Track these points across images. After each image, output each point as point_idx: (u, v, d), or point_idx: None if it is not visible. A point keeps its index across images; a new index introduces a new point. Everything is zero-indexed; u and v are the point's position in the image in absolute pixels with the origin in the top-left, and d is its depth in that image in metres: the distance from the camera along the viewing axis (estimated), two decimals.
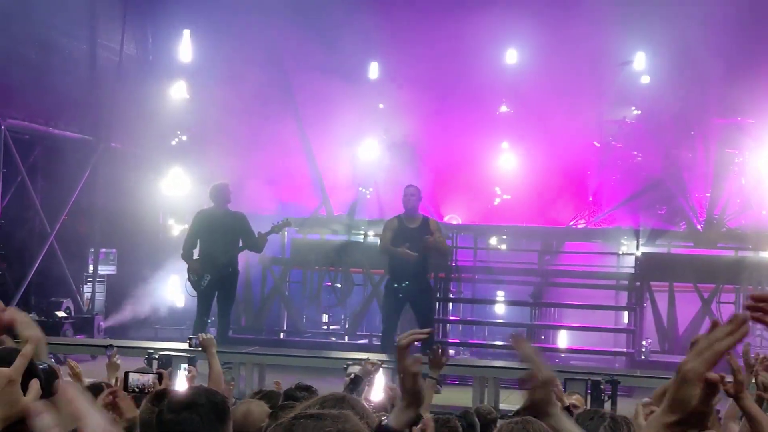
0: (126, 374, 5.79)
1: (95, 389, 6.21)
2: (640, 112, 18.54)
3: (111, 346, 8.64)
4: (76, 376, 6.94)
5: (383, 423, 2.92)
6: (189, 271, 12.85)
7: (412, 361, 2.87)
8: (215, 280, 12.68)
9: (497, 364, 11.62)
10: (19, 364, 2.39)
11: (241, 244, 12.91)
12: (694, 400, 1.97)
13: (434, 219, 13.57)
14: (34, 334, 2.79)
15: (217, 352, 7.23)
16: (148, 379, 5.68)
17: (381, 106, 18.75)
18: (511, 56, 18.62)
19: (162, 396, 4.28)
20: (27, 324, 2.86)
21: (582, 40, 16.69)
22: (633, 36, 17.54)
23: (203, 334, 7.61)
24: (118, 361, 7.95)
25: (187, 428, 3.52)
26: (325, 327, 17.49)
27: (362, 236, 17.01)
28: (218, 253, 12.66)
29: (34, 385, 2.42)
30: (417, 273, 12.77)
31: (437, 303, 15.88)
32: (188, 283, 12.98)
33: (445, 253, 13.50)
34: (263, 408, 4.99)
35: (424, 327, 12.30)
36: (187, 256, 12.87)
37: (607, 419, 3.60)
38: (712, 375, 1.97)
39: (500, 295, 16.78)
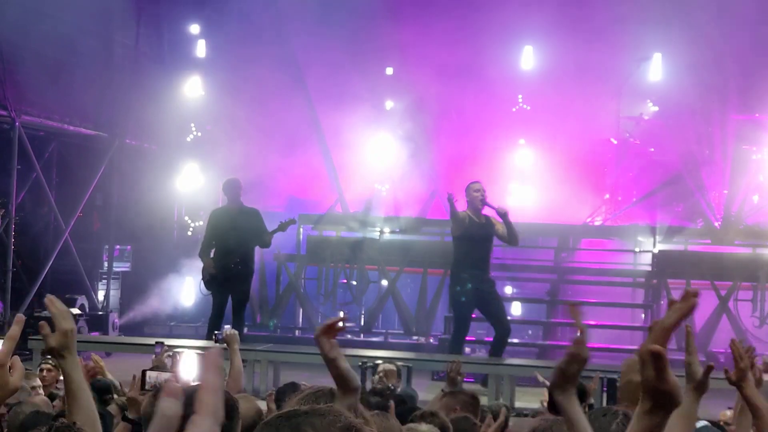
0: (143, 372, 5.76)
1: (104, 388, 6.20)
2: (657, 108, 18.47)
3: (161, 342, 8.58)
4: (100, 370, 6.97)
5: None
6: (203, 269, 12.81)
7: (329, 347, 2.90)
8: (229, 278, 12.61)
9: (513, 362, 11.57)
10: (6, 347, 2.42)
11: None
12: (653, 379, 2.02)
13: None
14: (68, 327, 2.92)
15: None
16: (166, 377, 5.64)
17: (391, 104, 18.72)
18: (528, 53, 18.53)
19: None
20: (64, 314, 3.05)
21: (599, 36, 16.59)
22: (651, 32, 17.44)
23: (227, 329, 7.60)
24: (166, 359, 7.94)
25: None
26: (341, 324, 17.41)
27: (378, 233, 16.97)
28: (232, 251, 12.61)
29: (17, 363, 2.44)
30: (482, 271, 12.39)
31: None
32: (202, 282, 12.95)
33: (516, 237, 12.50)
34: (252, 404, 4.95)
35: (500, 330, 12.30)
36: (202, 255, 12.84)
37: (620, 416, 3.54)
38: (653, 346, 2.01)
39: (510, 291, 16.73)
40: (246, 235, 12.64)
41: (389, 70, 19.04)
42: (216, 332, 10.02)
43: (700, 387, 4.27)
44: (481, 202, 12.23)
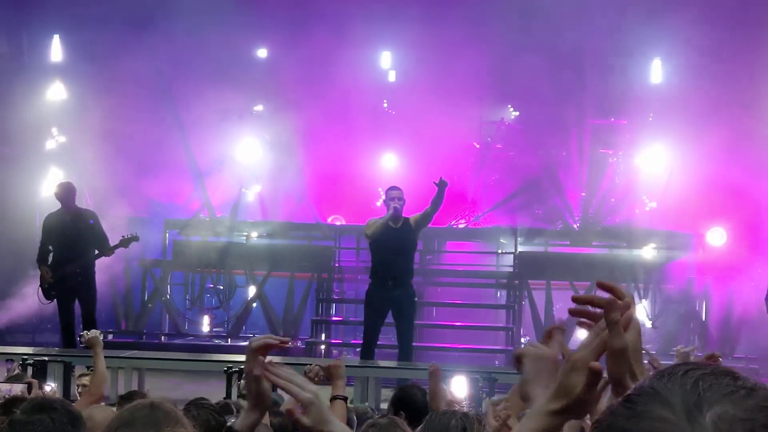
0: None
1: None
2: (518, 113, 18.91)
3: (11, 359, 8.43)
4: None
5: (228, 425, 2.98)
6: (40, 278, 12.49)
7: (255, 365, 2.93)
8: (68, 286, 12.30)
9: (379, 364, 11.74)
10: None
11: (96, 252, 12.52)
12: (580, 387, 2.05)
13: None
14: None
15: (90, 357, 7.07)
16: (19, 388, 5.51)
17: (260, 107, 18.73)
18: (387, 58, 18.76)
19: (12, 404, 4.22)
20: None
21: (460, 41, 16.91)
22: (515, 36, 17.85)
23: (87, 332, 7.34)
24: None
25: (38, 430, 3.52)
26: (207, 329, 17.37)
27: (245, 238, 16.98)
28: (67, 257, 12.30)
29: None
30: (402, 275, 12.11)
31: (321, 304, 15.97)
32: (40, 290, 12.61)
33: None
34: (107, 413, 4.95)
35: (404, 337, 12.18)
36: (39, 262, 12.49)
37: (459, 415, 3.71)
38: (595, 364, 2.05)
39: None
40: (83, 239, 12.31)
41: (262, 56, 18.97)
42: (81, 334, 9.88)
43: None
44: (393, 211, 11.94)
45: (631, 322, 2.09)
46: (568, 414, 2.09)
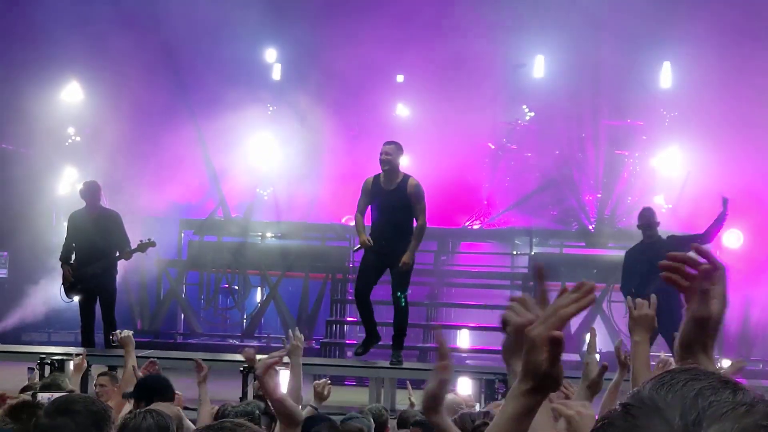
0: (34, 395, 5.44)
1: None
2: (533, 113, 18.87)
3: (32, 368, 8.48)
4: None
5: None
6: (63, 276, 12.49)
7: (273, 387, 2.95)
8: (90, 284, 12.31)
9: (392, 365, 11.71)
10: None
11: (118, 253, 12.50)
12: (544, 363, 2.03)
13: (414, 181, 11.20)
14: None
15: (111, 356, 7.15)
16: (60, 395, 5.33)
17: (271, 108, 18.76)
18: (405, 60, 18.73)
19: (20, 408, 4.20)
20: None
21: (476, 42, 16.91)
22: (528, 39, 17.87)
23: (120, 331, 7.49)
24: (84, 366, 7.86)
25: None
26: (222, 329, 17.40)
27: (259, 238, 17.00)
28: (90, 256, 12.29)
29: None
30: (395, 238, 10.88)
31: (335, 304, 15.94)
32: (62, 289, 12.60)
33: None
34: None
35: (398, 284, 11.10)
36: (62, 260, 12.50)
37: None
38: (555, 333, 2.04)
39: None
40: (106, 239, 12.31)
41: (276, 75, 19.08)
42: (112, 333, 9.87)
43: (594, 386, 4.47)
44: (382, 165, 10.98)
45: (719, 296, 2.08)
46: (540, 392, 2.06)
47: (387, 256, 10.93)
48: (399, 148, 11.18)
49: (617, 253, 16.34)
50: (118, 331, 7.55)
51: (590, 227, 17.40)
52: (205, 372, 6.69)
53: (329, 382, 6.58)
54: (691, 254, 2.19)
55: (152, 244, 12.48)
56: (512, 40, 17.66)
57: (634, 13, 16.80)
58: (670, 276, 2.18)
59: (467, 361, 14.69)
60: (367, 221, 11.37)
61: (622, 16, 16.83)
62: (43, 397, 5.22)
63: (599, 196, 17.84)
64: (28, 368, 8.54)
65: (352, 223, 17.80)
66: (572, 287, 2.09)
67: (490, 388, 9.92)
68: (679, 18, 16.15)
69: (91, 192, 12.41)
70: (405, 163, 18.25)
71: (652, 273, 10.60)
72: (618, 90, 17.55)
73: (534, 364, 2.04)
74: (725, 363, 8.01)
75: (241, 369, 10.08)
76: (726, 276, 2.14)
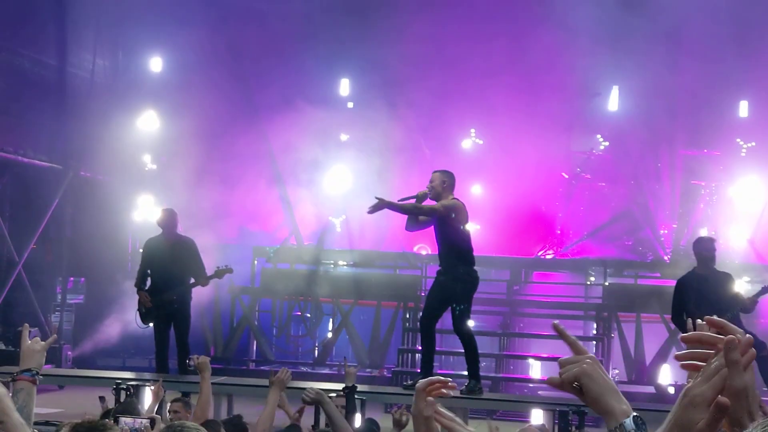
0: (116, 418, 5.35)
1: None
2: (608, 143, 18.74)
3: (103, 397, 8.55)
4: None
5: None
6: (138, 302, 12.60)
7: (425, 405, 2.95)
8: (165, 311, 12.41)
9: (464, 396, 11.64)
10: None
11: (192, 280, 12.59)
12: (699, 424, 1.95)
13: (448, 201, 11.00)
14: None
15: (184, 383, 7.17)
16: (141, 423, 5.20)
17: (346, 137, 18.87)
18: (479, 90, 18.72)
19: (87, 428, 4.05)
20: None
21: (551, 72, 16.86)
22: (604, 69, 17.76)
23: (197, 357, 7.52)
24: (162, 392, 7.91)
25: None
26: (294, 356, 17.45)
27: (332, 266, 17.04)
28: (166, 282, 12.39)
29: None
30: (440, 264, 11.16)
31: (407, 333, 15.90)
32: (138, 315, 12.70)
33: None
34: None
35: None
36: (137, 287, 12.61)
37: None
38: (723, 399, 1.94)
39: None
40: (180, 266, 12.41)
41: (350, 104, 19.21)
42: (190, 357, 9.91)
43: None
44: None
45: (747, 362, 2.00)
46: None
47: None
48: (442, 174, 11.20)
49: None
50: (195, 356, 7.60)
51: (666, 258, 17.18)
52: (281, 377, 6.67)
53: (407, 410, 6.56)
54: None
55: (229, 270, 12.56)
56: (587, 70, 17.57)
57: (712, 44, 16.63)
58: (687, 364, 2.12)
59: (539, 392, 14.53)
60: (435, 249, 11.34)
61: (699, 47, 16.66)
62: (126, 423, 5.16)
63: (675, 226, 17.61)
64: (100, 397, 8.60)
65: (424, 252, 17.92)
66: (726, 343, 1.98)
67: (564, 420, 9.79)
68: (755, 50, 15.94)
69: (168, 219, 12.52)
70: (477, 191, 18.36)
71: (702, 306, 10.48)
72: (694, 120, 17.35)
73: (687, 423, 1.96)
74: None
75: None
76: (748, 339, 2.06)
